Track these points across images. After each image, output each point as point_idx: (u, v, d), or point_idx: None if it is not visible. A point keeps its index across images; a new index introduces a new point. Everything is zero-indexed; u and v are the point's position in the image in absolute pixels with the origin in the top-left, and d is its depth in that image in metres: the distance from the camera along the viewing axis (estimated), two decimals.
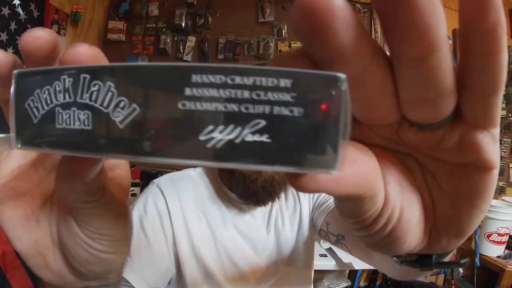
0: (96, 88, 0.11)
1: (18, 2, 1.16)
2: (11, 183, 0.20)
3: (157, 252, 0.60)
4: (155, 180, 0.69)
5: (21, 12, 1.18)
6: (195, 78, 0.10)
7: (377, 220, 0.15)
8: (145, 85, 0.11)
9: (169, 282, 0.64)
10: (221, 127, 0.10)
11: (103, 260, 0.21)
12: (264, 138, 0.10)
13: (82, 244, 0.20)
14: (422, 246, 0.17)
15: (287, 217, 0.71)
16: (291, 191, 0.74)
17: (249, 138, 0.10)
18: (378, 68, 0.12)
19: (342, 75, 0.10)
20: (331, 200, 0.68)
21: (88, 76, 0.12)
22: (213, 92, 0.10)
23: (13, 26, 1.16)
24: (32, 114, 0.13)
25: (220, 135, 0.10)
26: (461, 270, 1.82)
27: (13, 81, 0.13)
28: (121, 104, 0.11)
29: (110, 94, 0.11)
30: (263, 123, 0.10)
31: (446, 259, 0.20)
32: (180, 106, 0.11)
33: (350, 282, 1.61)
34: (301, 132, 0.10)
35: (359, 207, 0.15)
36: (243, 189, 0.62)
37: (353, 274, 1.69)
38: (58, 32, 1.48)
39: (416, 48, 0.11)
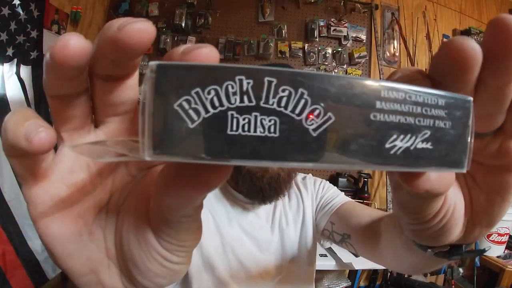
0: (285, 93, 0.11)
1: (18, 2, 1.16)
2: (61, 192, 0.16)
3: None
4: None
5: (21, 12, 1.18)
6: (384, 93, 0.12)
7: (437, 214, 0.19)
8: (341, 95, 0.12)
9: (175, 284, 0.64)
10: (401, 136, 0.12)
11: (174, 272, 0.19)
12: (429, 145, 0.13)
13: (158, 257, 0.18)
14: (460, 236, 0.21)
15: (291, 216, 0.71)
16: (295, 191, 0.74)
17: (419, 145, 0.13)
18: (472, 92, 0.16)
19: (471, 98, 0.14)
20: (334, 202, 0.69)
21: (275, 80, 0.11)
22: (396, 107, 0.12)
23: (13, 26, 1.16)
24: (188, 117, 0.11)
25: (400, 143, 0.12)
26: (461, 270, 1.82)
27: (151, 75, 0.11)
28: (316, 112, 0.11)
29: (303, 101, 0.11)
30: (428, 133, 0.13)
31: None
32: (371, 117, 0.12)
33: (350, 282, 1.61)
34: (451, 140, 0.13)
35: (429, 204, 0.18)
36: (249, 186, 0.62)
37: (353, 274, 1.69)
38: (58, 32, 1.48)
39: (504, 78, 0.15)
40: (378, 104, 0.12)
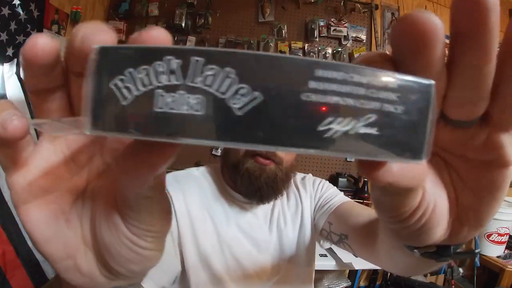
0: (211, 72, 0.11)
1: (18, 2, 1.16)
2: (38, 181, 0.17)
3: (165, 250, 0.59)
4: None
5: (21, 12, 1.18)
6: (319, 72, 0.11)
7: (415, 212, 0.17)
8: (269, 74, 0.11)
9: (174, 281, 0.64)
10: (339, 119, 0.11)
11: (145, 258, 0.20)
12: (374, 131, 0.12)
13: (126, 242, 0.19)
14: (445, 237, 0.20)
15: (289, 217, 0.71)
16: (293, 191, 0.74)
17: (362, 130, 0.12)
18: (444, 75, 0.14)
19: (433, 82, 0.12)
20: (332, 201, 0.69)
21: (202, 60, 0.11)
22: (334, 87, 0.11)
23: (13, 26, 1.16)
24: (121, 95, 0.11)
25: (337, 126, 0.11)
26: (461, 270, 1.82)
27: (93, 57, 0.12)
28: (242, 91, 0.11)
29: (229, 80, 0.11)
30: (374, 117, 0.12)
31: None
32: (303, 97, 0.11)
33: (350, 282, 1.61)
34: (402, 127, 0.12)
35: (403, 200, 0.17)
36: (248, 185, 0.62)
37: (353, 274, 1.69)
38: (58, 32, 1.48)
39: (478, 57, 0.13)
40: (311, 84, 0.11)
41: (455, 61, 0.14)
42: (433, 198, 0.18)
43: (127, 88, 0.11)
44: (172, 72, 0.11)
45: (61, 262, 0.19)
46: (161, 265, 0.64)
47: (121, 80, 0.11)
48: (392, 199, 0.17)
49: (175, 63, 0.11)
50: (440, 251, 0.22)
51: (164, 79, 0.11)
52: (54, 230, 0.18)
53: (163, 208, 0.19)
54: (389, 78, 0.12)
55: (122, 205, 0.18)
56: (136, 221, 0.18)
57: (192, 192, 0.66)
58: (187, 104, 0.11)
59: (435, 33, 0.12)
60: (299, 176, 0.78)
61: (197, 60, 0.11)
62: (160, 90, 0.11)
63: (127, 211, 0.18)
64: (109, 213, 0.18)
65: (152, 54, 0.11)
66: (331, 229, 0.65)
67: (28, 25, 1.22)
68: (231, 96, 0.11)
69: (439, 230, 0.19)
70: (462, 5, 0.13)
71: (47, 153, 0.18)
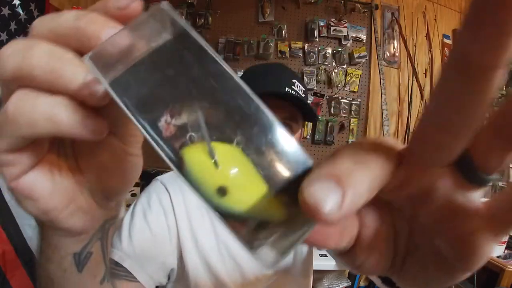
0: None
1: (18, 2, 1.16)
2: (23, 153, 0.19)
3: (161, 245, 0.60)
4: (158, 177, 0.68)
5: (21, 12, 1.18)
6: None
7: (354, 253, 0.18)
8: None
9: (169, 278, 0.64)
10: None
11: (136, 165, 0.23)
12: None
13: (122, 154, 0.22)
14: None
15: None
16: None
17: None
18: None
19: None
20: None
21: None
22: None
23: (13, 26, 1.16)
24: None
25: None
26: None
27: None
28: None
29: None
30: None
31: None
32: None
33: (350, 282, 1.61)
34: None
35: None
36: None
37: (353, 274, 1.69)
38: None
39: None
40: None
41: None
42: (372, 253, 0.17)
43: None
44: None
45: (65, 209, 0.21)
46: (155, 258, 0.64)
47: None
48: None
49: None
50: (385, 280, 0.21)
51: None
52: (52, 183, 0.20)
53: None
54: None
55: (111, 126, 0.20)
56: (126, 134, 0.22)
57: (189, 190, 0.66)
58: None
59: None
60: None
61: None
62: None
63: (116, 129, 0.21)
64: (111, 140, 0.21)
65: None
66: None
67: (28, 25, 1.22)
68: None
69: (384, 265, 0.18)
70: None
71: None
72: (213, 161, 0.14)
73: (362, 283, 1.79)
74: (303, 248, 0.70)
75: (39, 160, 0.20)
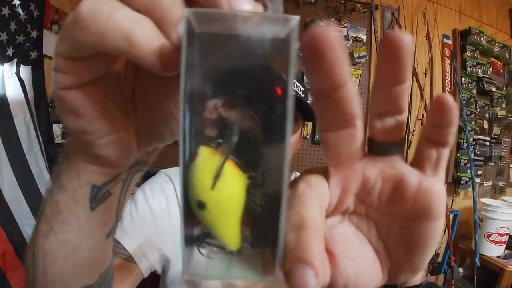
0: None
1: (18, 2, 1.16)
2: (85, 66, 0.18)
3: (160, 231, 0.59)
4: (162, 170, 0.68)
5: (21, 12, 1.18)
6: None
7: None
8: None
9: (164, 270, 0.62)
10: None
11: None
12: None
13: (171, 105, 0.21)
14: (383, 283, 0.20)
15: None
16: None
17: None
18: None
19: None
20: None
21: None
22: None
23: (13, 26, 1.16)
24: None
25: None
26: (461, 270, 1.82)
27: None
28: None
29: None
30: None
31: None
32: None
33: None
34: None
35: None
36: None
37: None
38: (58, 32, 1.48)
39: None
40: None
41: (375, 87, 0.17)
42: (353, 271, 0.18)
43: None
44: None
45: (105, 137, 0.20)
46: (153, 241, 0.62)
47: None
48: None
49: None
50: None
51: None
52: (102, 107, 0.19)
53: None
54: None
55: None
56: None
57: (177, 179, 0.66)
58: None
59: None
60: (297, 175, 0.78)
61: None
62: None
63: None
64: (164, 80, 0.19)
65: None
66: None
67: (28, 25, 1.22)
68: None
69: (371, 285, 0.19)
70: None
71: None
72: (213, 181, 0.14)
73: None
74: None
75: (97, 78, 0.19)
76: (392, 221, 0.19)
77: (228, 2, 0.14)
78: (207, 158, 0.14)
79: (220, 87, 0.14)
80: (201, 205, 0.14)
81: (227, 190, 0.15)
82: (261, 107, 0.15)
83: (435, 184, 0.18)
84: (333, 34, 0.13)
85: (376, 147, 0.19)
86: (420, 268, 0.20)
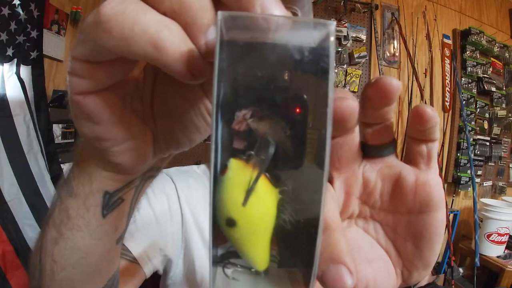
0: None
1: (18, 2, 1.16)
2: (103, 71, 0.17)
3: (161, 231, 0.59)
4: (163, 170, 0.68)
5: (21, 12, 1.18)
6: None
7: None
8: None
9: (165, 271, 0.62)
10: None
11: (203, 129, 0.22)
12: None
13: (203, 110, 0.21)
14: (398, 285, 0.20)
15: None
16: None
17: None
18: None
19: None
20: None
21: None
22: None
23: (13, 26, 1.16)
24: None
25: None
26: (461, 270, 1.82)
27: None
28: None
29: None
30: None
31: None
32: None
33: None
34: None
35: None
36: None
37: None
38: (58, 32, 1.48)
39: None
40: None
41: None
42: (370, 274, 0.19)
43: None
44: None
45: (121, 144, 0.20)
46: (156, 241, 0.61)
47: None
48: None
49: None
50: None
51: None
52: (119, 113, 0.19)
53: None
54: None
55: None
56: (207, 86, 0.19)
57: (195, 185, 0.66)
58: None
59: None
60: None
61: None
62: None
63: (208, 87, 0.19)
64: (185, 86, 0.19)
65: None
66: None
67: (28, 25, 1.22)
68: None
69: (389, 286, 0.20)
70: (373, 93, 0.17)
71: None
72: (244, 196, 0.13)
73: None
74: None
75: (115, 83, 0.18)
76: (397, 219, 0.20)
77: (260, 6, 0.13)
78: (238, 172, 0.13)
79: (249, 97, 0.13)
80: (231, 223, 0.13)
81: (259, 206, 0.14)
82: (295, 118, 0.14)
83: (430, 176, 0.18)
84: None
85: (370, 151, 0.19)
86: (431, 262, 0.20)
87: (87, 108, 0.17)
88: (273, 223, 0.14)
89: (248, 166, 0.14)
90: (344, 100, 0.16)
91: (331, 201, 0.18)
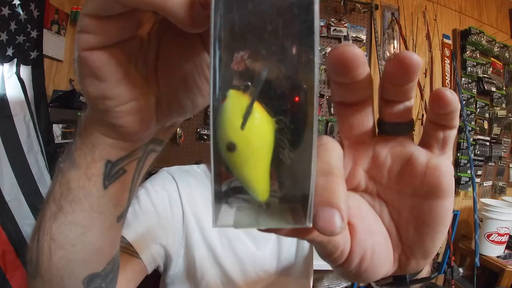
0: None
1: (18, 2, 1.16)
2: (111, 26, 0.18)
3: (162, 227, 0.59)
4: (164, 168, 0.68)
5: (21, 12, 1.18)
6: None
7: (349, 260, 0.18)
8: None
9: (165, 268, 0.62)
10: None
11: (206, 91, 0.22)
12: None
13: (206, 70, 0.21)
14: (393, 270, 0.20)
15: None
16: None
17: None
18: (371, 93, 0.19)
19: None
20: None
21: None
22: None
23: (13, 26, 1.16)
24: None
25: None
26: (461, 270, 1.82)
27: None
28: None
29: None
30: None
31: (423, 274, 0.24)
32: None
33: (350, 282, 1.61)
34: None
35: (324, 250, 0.18)
36: None
37: None
38: (58, 32, 1.48)
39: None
40: None
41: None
42: (369, 247, 0.18)
43: None
44: None
45: (125, 104, 0.20)
46: (158, 236, 0.60)
47: None
48: (317, 247, 0.18)
49: None
50: (396, 281, 0.23)
51: None
52: (124, 71, 0.19)
53: None
54: None
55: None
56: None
57: (196, 184, 0.66)
58: None
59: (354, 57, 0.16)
60: None
61: None
62: None
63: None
64: (190, 43, 0.20)
65: None
66: None
67: (28, 25, 1.22)
68: None
69: (383, 269, 0.19)
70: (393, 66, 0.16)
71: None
72: (242, 120, 0.14)
73: (362, 283, 1.79)
74: (305, 245, 0.70)
75: (122, 39, 0.19)
76: (402, 200, 0.19)
77: None
78: (236, 100, 0.15)
79: (247, 40, 0.15)
80: (231, 147, 0.14)
81: (256, 129, 0.15)
82: (285, 58, 0.15)
83: (443, 162, 0.18)
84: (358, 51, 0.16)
85: (387, 128, 0.19)
86: (431, 252, 0.20)
87: (94, 64, 0.18)
88: (271, 150, 0.15)
89: (245, 95, 0.15)
90: (348, 45, 0.16)
91: (339, 151, 0.18)
